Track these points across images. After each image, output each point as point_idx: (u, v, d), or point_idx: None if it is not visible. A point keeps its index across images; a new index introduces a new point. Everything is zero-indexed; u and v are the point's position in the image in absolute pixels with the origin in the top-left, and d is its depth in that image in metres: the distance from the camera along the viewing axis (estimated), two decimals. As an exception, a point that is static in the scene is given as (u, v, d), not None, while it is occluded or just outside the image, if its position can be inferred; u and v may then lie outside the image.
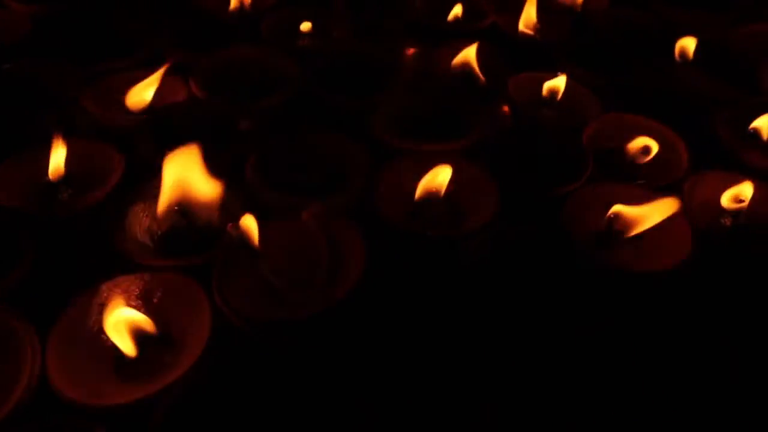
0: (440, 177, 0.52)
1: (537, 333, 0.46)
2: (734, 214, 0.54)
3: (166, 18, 0.75)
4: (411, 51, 0.74)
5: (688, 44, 0.72)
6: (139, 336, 0.43)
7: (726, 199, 0.55)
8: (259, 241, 0.46)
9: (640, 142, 0.58)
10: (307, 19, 0.75)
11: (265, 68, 0.69)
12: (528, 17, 0.76)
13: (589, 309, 0.46)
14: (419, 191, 0.52)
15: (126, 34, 0.72)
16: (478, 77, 0.68)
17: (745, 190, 0.53)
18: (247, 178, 0.54)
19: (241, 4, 0.78)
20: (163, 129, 0.61)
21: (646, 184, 0.56)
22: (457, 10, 0.78)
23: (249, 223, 0.46)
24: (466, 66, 0.68)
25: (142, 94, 0.62)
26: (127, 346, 0.42)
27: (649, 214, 0.49)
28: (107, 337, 0.42)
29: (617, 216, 0.51)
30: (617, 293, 0.49)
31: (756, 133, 0.60)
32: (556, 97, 0.64)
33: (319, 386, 0.43)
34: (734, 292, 0.50)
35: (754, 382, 0.46)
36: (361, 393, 0.43)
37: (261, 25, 0.74)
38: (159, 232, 0.52)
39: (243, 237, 0.46)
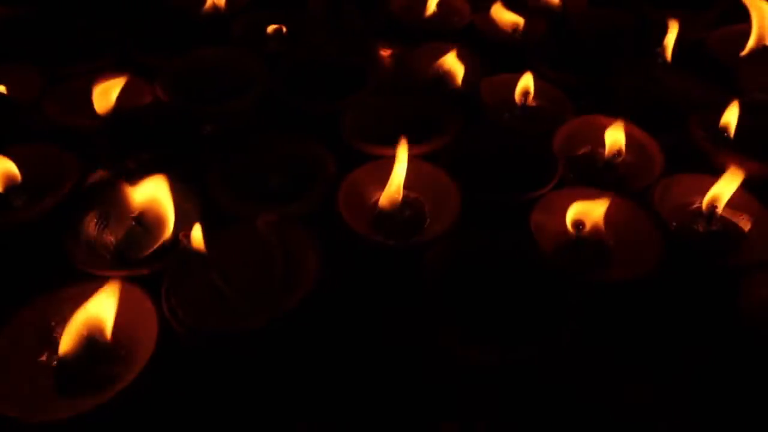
0: (398, 182, 0.50)
1: (502, 344, 0.44)
2: (708, 218, 0.53)
3: (135, 19, 0.73)
4: (385, 53, 0.72)
5: (667, 45, 0.71)
6: (91, 343, 0.42)
7: (704, 203, 0.53)
8: (211, 249, 0.45)
9: (609, 139, 0.57)
10: (280, 21, 0.74)
11: (235, 71, 0.67)
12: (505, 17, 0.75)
13: (557, 318, 0.44)
14: (382, 198, 0.51)
15: (92, 36, 0.70)
16: (453, 81, 0.67)
17: (722, 193, 0.52)
18: (208, 183, 0.53)
19: (214, 5, 0.77)
20: (126, 132, 0.60)
21: (618, 188, 0.55)
22: (432, 5, 0.77)
23: (198, 231, 0.45)
24: (444, 70, 0.67)
25: (105, 97, 0.61)
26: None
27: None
28: (50, 349, 0.40)
29: (581, 220, 0.50)
30: (585, 301, 0.47)
31: (726, 135, 0.58)
32: (528, 99, 0.62)
33: (264, 401, 0.42)
34: (704, 301, 0.48)
35: (724, 392, 0.45)
36: (308, 408, 0.42)
37: (232, 26, 0.73)
38: (114, 241, 0.50)
39: (194, 245, 0.45)
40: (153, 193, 0.49)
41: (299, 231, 0.46)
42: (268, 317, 0.40)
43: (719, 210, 0.52)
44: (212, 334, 0.40)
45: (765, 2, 0.69)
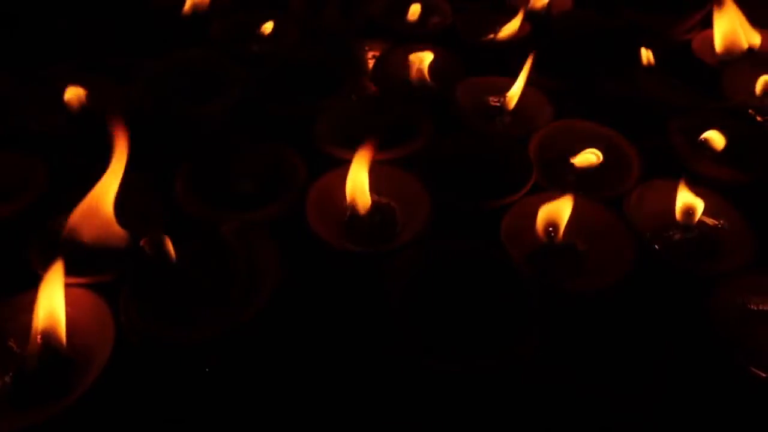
0: (362, 188, 0.49)
1: (470, 356, 0.43)
2: (684, 227, 0.52)
3: (112, 20, 0.73)
4: (365, 55, 0.72)
5: (650, 48, 0.70)
6: (47, 350, 0.41)
7: (678, 213, 0.52)
8: (174, 256, 0.44)
9: (585, 153, 0.56)
10: (259, 23, 0.73)
11: (212, 73, 0.67)
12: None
13: (524, 326, 0.43)
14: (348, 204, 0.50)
15: (68, 36, 0.70)
16: (430, 84, 0.66)
17: (697, 204, 0.51)
18: (175, 188, 0.52)
19: (194, 6, 0.76)
20: (99, 134, 0.59)
21: (594, 193, 0.54)
22: (414, 9, 0.76)
23: (162, 238, 0.44)
24: (418, 73, 0.66)
25: (77, 99, 0.60)
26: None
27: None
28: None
29: (552, 224, 0.49)
30: (550, 309, 0.46)
31: (707, 141, 0.57)
32: (506, 102, 0.62)
33: (221, 411, 0.41)
34: (676, 309, 0.47)
35: (694, 402, 0.44)
36: (266, 419, 0.41)
37: (211, 28, 0.72)
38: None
39: (157, 252, 0.44)
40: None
41: (263, 238, 0.46)
42: (223, 327, 0.39)
43: (695, 218, 0.51)
44: (166, 342, 0.40)
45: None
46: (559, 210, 0.49)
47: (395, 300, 0.44)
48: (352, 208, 0.50)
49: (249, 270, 0.45)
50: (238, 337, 0.41)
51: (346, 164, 0.54)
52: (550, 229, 0.50)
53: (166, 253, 0.44)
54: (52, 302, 0.40)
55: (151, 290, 0.44)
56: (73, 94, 0.59)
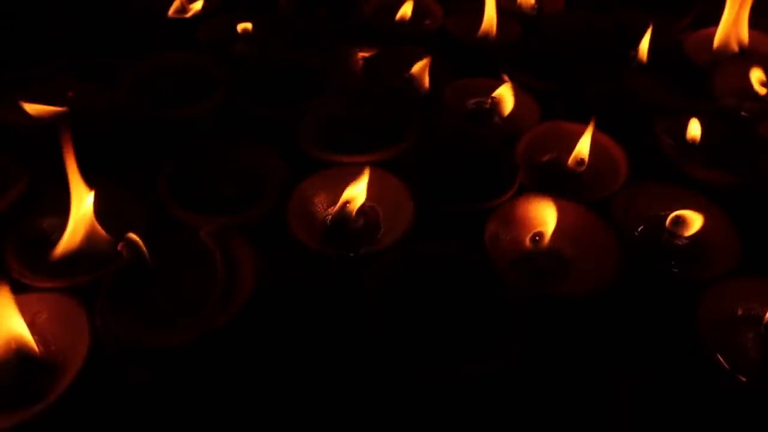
0: (352, 191, 0.49)
1: (451, 362, 0.42)
2: (672, 233, 0.51)
3: (99, 21, 0.72)
4: (353, 57, 0.71)
5: (641, 48, 0.69)
6: (21, 357, 0.40)
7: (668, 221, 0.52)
8: (153, 259, 0.44)
9: (574, 153, 0.55)
10: (246, 25, 0.72)
11: (198, 75, 0.66)
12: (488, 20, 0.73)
13: (507, 334, 0.43)
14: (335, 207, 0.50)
15: (52, 36, 0.69)
16: (419, 86, 0.65)
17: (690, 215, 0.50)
18: (157, 191, 0.51)
19: (182, 7, 0.76)
20: (81, 136, 0.59)
21: (579, 197, 0.53)
22: (405, 9, 0.75)
23: (138, 242, 0.43)
24: (410, 75, 0.65)
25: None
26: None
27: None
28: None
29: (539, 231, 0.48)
30: (539, 317, 0.46)
31: (694, 143, 0.57)
32: (495, 104, 0.61)
33: (197, 418, 0.40)
34: (663, 315, 0.47)
35: (679, 410, 0.43)
36: (243, 425, 0.40)
37: (198, 30, 0.71)
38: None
39: (135, 256, 0.44)
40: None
41: (241, 242, 0.45)
42: (198, 333, 0.39)
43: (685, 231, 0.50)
44: (141, 347, 0.39)
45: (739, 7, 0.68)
46: (545, 216, 0.48)
47: (375, 306, 0.43)
48: (339, 212, 0.49)
49: (227, 274, 0.44)
50: (214, 341, 0.40)
51: (329, 167, 0.54)
52: (536, 237, 0.49)
53: (142, 256, 0.43)
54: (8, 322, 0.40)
55: (129, 294, 0.43)
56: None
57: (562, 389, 0.44)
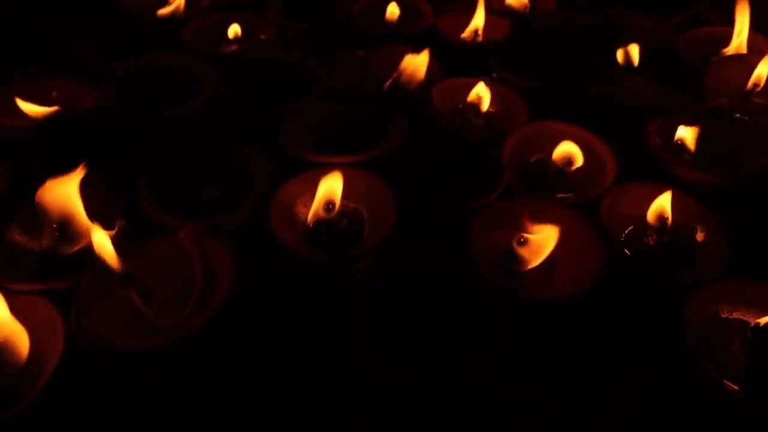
0: (330, 192, 0.48)
1: (433, 366, 0.42)
2: (659, 231, 0.51)
3: (85, 22, 0.72)
4: (341, 57, 0.70)
5: (632, 49, 0.68)
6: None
7: (652, 214, 0.51)
8: (131, 262, 0.43)
9: (563, 151, 0.54)
10: (233, 26, 0.72)
11: (184, 76, 0.66)
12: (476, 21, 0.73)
13: (488, 335, 0.42)
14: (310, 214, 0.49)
15: (39, 37, 0.69)
16: (406, 86, 0.65)
17: (666, 205, 0.49)
18: (138, 193, 0.51)
19: (174, 8, 0.75)
20: (65, 138, 0.59)
21: (565, 198, 0.52)
22: (392, 8, 0.75)
23: (110, 245, 0.43)
24: (398, 75, 0.65)
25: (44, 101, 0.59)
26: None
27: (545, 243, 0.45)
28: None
29: (526, 240, 0.47)
30: (522, 319, 0.45)
31: (682, 144, 0.56)
32: (480, 105, 0.60)
33: (174, 422, 0.40)
34: (648, 318, 0.46)
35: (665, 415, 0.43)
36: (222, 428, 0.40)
37: (185, 30, 0.71)
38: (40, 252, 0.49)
39: (111, 259, 0.43)
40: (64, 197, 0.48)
41: (220, 244, 0.44)
42: (173, 336, 0.38)
43: (669, 222, 0.50)
44: (115, 351, 0.39)
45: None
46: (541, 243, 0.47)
47: (355, 309, 0.42)
48: (318, 214, 0.49)
49: (205, 277, 0.43)
50: (191, 344, 0.40)
51: (312, 168, 0.53)
52: (521, 239, 0.48)
53: (117, 259, 0.43)
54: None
55: (106, 297, 0.43)
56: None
57: (546, 392, 0.44)
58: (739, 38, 0.68)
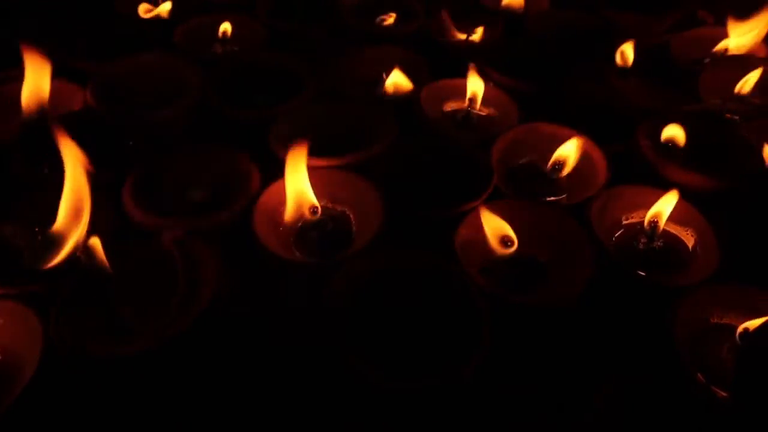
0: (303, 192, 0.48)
1: (416, 372, 0.41)
2: (649, 234, 0.50)
3: (74, 24, 0.71)
4: (332, 57, 0.70)
5: (625, 49, 0.67)
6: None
7: (646, 218, 0.50)
8: (113, 266, 0.43)
9: (557, 155, 0.54)
10: (224, 26, 0.71)
11: (172, 77, 0.65)
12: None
13: (472, 342, 0.41)
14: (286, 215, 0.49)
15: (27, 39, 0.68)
16: (395, 87, 0.64)
17: (662, 212, 0.49)
18: (123, 195, 0.50)
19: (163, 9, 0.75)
20: (49, 139, 0.58)
21: (554, 202, 0.52)
22: (390, 18, 0.75)
23: (98, 248, 0.42)
24: (387, 77, 0.64)
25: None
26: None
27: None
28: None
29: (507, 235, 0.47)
30: (510, 323, 0.44)
31: (673, 145, 0.55)
32: (472, 105, 0.60)
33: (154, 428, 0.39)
34: (637, 323, 0.45)
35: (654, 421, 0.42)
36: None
37: (175, 31, 0.70)
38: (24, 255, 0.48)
39: (93, 262, 0.42)
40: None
41: (203, 248, 0.44)
42: (154, 342, 0.38)
43: (660, 226, 0.49)
44: (93, 357, 0.38)
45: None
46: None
47: (338, 314, 0.42)
48: (299, 216, 0.48)
49: (188, 280, 0.43)
50: (171, 349, 0.39)
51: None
52: (507, 242, 0.48)
53: (101, 263, 0.42)
54: None
55: (86, 301, 0.42)
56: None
57: (533, 396, 0.43)
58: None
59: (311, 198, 0.48)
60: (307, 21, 0.76)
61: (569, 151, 0.55)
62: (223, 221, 0.48)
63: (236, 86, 0.65)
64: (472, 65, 0.60)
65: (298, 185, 0.47)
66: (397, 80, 0.62)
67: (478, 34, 0.72)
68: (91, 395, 0.40)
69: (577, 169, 0.55)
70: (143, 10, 0.71)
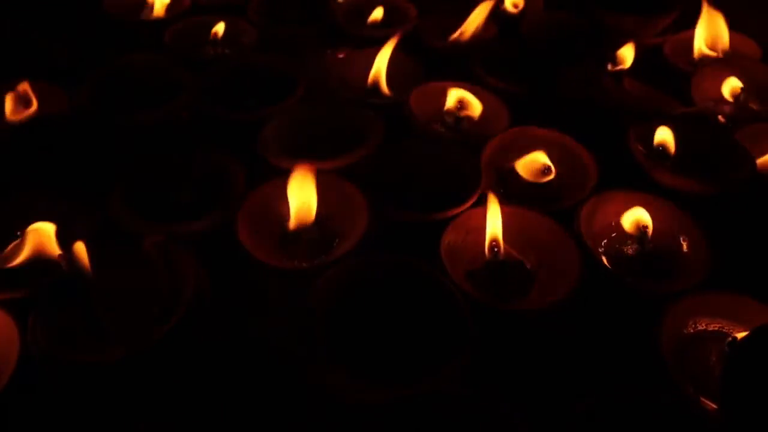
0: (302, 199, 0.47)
1: (398, 378, 0.40)
2: (639, 240, 0.49)
3: (66, 26, 0.71)
4: (322, 60, 0.69)
5: (619, 52, 0.67)
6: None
7: (629, 225, 0.50)
8: (94, 270, 0.42)
9: (536, 160, 0.53)
10: (215, 27, 0.71)
11: (163, 79, 0.65)
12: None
13: (456, 352, 0.41)
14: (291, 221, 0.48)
15: (16, 41, 0.68)
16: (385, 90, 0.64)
17: (643, 215, 0.48)
18: (109, 199, 0.50)
19: (154, 11, 0.75)
20: (37, 142, 0.58)
21: (542, 206, 0.51)
22: (377, 14, 0.74)
23: (81, 254, 0.42)
24: (374, 78, 0.64)
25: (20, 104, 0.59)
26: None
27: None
28: None
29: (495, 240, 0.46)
30: (495, 329, 0.44)
31: (664, 150, 0.55)
32: (460, 109, 0.59)
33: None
34: (624, 331, 0.44)
35: None
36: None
37: (166, 33, 0.70)
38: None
39: (74, 268, 0.42)
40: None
41: (183, 252, 0.43)
42: (132, 348, 0.37)
43: (650, 232, 0.48)
44: (70, 364, 0.38)
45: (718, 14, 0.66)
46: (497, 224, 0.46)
47: (320, 320, 0.41)
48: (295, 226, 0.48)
49: (169, 286, 0.42)
50: (149, 356, 0.39)
51: (284, 175, 0.52)
52: (494, 245, 0.47)
53: (83, 270, 0.42)
54: None
55: (65, 307, 0.42)
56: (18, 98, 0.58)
57: (519, 405, 0.42)
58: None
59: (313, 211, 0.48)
60: (299, 23, 0.76)
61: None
62: (206, 225, 0.48)
63: (227, 88, 0.64)
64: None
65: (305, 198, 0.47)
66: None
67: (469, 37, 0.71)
68: (69, 402, 0.40)
69: (567, 172, 0.55)
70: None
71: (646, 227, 0.48)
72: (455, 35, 0.70)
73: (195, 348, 0.42)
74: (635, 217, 0.48)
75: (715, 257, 0.47)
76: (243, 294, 0.47)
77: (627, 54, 0.67)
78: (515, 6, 0.78)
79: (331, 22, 0.74)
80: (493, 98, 0.61)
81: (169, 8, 0.73)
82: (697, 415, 0.39)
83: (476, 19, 0.69)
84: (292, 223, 0.49)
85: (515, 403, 0.39)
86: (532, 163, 0.54)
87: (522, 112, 0.61)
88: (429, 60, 0.68)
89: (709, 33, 0.68)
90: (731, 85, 0.60)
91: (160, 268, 0.43)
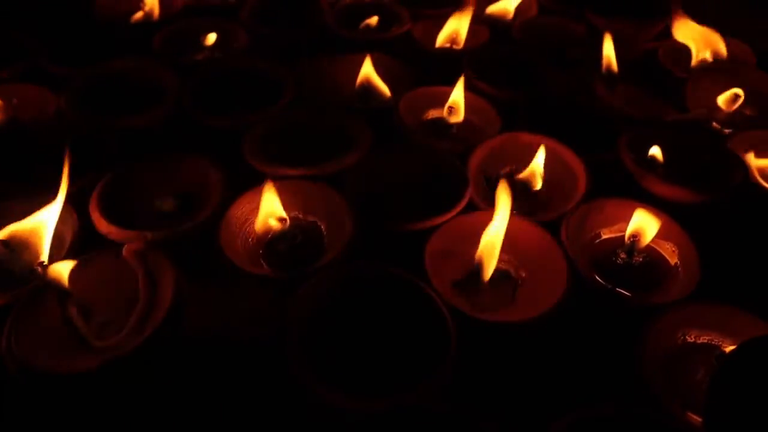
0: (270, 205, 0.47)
1: (384, 388, 0.40)
2: (628, 250, 0.48)
3: (54, 29, 0.71)
4: (312, 65, 0.68)
5: (608, 57, 0.66)
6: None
7: (629, 231, 0.49)
8: (73, 279, 0.42)
9: (529, 170, 0.53)
10: (205, 32, 0.70)
11: (150, 84, 0.64)
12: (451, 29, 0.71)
13: (440, 361, 0.40)
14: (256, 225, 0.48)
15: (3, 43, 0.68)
16: (376, 92, 0.63)
17: (643, 224, 0.47)
18: (89, 204, 0.49)
19: (146, 14, 0.74)
20: (23, 145, 0.57)
21: (530, 214, 0.50)
22: (372, 21, 0.73)
23: (60, 262, 0.41)
24: (365, 81, 0.63)
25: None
26: None
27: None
28: None
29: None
30: (479, 340, 0.43)
31: (655, 157, 0.54)
32: (451, 115, 0.58)
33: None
34: (608, 344, 0.43)
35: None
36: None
37: (155, 37, 0.69)
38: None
39: (52, 276, 0.41)
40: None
41: (163, 260, 0.43)
42: (108, 358, 0.37)
43: (642, 243, 0.48)
44: (43, 374, 0.37)
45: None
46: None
47: (299, 331, 0.40)
48: (266, 227, 0.47)
49: (148, 295, 0.42)
50: (125, 366, 0.38)
51: (271, 180, 0.51)
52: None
53: (62, 277, 0.41)
54: None
55: (42, 315, 0.41)
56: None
57: (500, 420, 0.41)
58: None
59: (278, 208, 0.47)
60: (290, 27, 0.75)
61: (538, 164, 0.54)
62: (187, 233, 0.47)
63: (215, 93, 0.64)
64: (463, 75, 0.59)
65: (267, 196, 0.46)
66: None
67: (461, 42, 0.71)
68: (45, 411, 0.39)
69: (556, 180, 0.54)
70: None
71: (636, 237, 0.47)
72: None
73: (174, 356, 0.42)
74: (636, 225, 0.47)
75: (704, 267, 0.46)
76: (223, 302, 0.46)
77: (612, 59, 0.66)
78: (507, 14, 0.77)
79: (322, 25, 0.74)
80: (485, 104, 0.61)
81: (161, 12, 0.73)
82: (682, 427, 0.38)
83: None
84: (257, 227, 0.48)
85: (496, 418, 0.39)
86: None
87: (513, 118, 0.60)
88: (421, 64, 0.68)
89: (703, 40, 0.67)
90: (726, 92, 0.59)
91: (140, 275, 0.43)
